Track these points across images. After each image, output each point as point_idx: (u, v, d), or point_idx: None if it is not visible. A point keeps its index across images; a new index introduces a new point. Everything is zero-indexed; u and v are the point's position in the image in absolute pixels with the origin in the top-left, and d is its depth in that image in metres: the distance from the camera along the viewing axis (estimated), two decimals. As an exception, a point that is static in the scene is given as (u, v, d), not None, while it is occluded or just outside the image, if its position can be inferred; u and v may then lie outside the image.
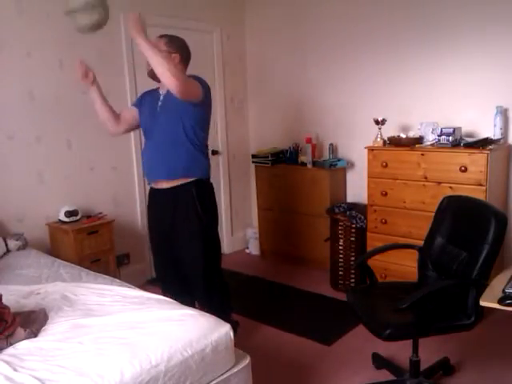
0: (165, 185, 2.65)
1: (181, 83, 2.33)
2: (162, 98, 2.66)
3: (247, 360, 2.04)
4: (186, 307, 2.13)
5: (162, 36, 2.65)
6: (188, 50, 2.68)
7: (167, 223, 2.69)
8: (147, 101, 2.75)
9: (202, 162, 2.69)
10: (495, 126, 3.20)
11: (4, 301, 1.93)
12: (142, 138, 2.95)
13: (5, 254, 2.96)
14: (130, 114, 2.82)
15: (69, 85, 3.41)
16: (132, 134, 3.69)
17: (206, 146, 2.74)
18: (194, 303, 2.71)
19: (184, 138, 2.58)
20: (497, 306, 1.89)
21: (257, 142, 4.76)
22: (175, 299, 2.27)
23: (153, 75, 2.55)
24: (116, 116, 2.78)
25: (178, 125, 2.57)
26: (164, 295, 2.38)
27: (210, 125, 2.74)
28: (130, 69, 3.77)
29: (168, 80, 2.32)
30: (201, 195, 2.65)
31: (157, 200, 2.75)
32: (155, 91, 2.73)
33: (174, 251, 2.73)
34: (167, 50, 2.56)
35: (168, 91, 2.54)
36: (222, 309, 2.70)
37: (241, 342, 2.18)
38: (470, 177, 3.03)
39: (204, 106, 2.60)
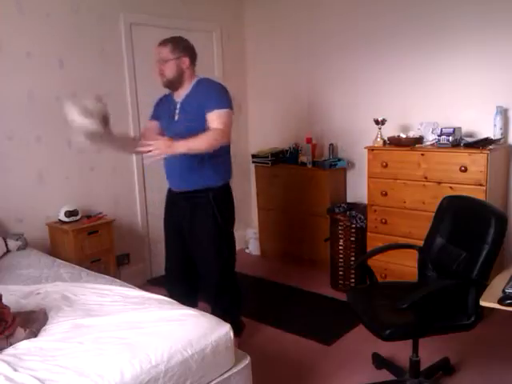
0: (183, 189, 2.68)
1: (225, 138, 2.45)
2: (178, 106, 2.61)
3: (247, 360, 2.04)
4: (185, 307, 2.13)
5: (163, 43, 2.57)
6: (194, 50, 2.65)
7: (185, 224, 2.70)
8: (163, 109, 2.71)
9: (225, 168, 2.69)
10: (495, 126, 3.20)
11: (4, 301, 1.93)
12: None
13: (5, 253, 2.96)
14: (153, 130, 2.73)
15: (69, 85, 3.41)
16: (132, 134, 3.69)
17: (229, 152, 2.71)
18: (197, 305, 2.71)
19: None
20: (497, 305, 1.89)
21: (257, 142, 4.76)
22: (179, 300, 2.26)
23: (169, 85, 2.58)
24: (135, 140, 2.71)
25: (196, 133, 2.49)
26: (169, 295, 2.39)
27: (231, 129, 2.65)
28: (130, 69, 3.77)
29: (217, 146, 2.43)
30: (218, 198, 2.65)
31: (175, 202, 2.76)
32: (169, 97, 2.69)
33: (190, 252, 2.75)
34: (174, 57, 2.52)
35: (185, 98, 2.55)
36: (228, 311, 2.69)
37: (241, 342, 2.18)
38: (470, 177, 3.03)
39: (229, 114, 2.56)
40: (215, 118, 2.47)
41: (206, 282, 2.78)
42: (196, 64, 2.67)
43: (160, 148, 2.29)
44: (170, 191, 2.81)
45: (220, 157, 2.61)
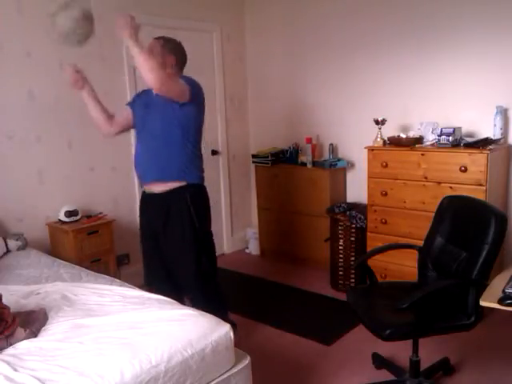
0: (158, 188, 2.62)
1: (157, 78, 2.28)
2: (154, 97, 2.60)
3: (247, 360, 2.04)
4: (185, 307, 2.13)
5: (158, 38, 2.64)
6: (184, 53, 2.66)
7: (159, 228, 2.66)
8: (143, 101, 2.70)
9: (196, 165, 2.66)
10: (495, 125, 3.20)
11: (4, 301, 1.93)
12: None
13: (5, 253, 2.96)
14: (123, 115, 2.78)
15: (69, 85, 3.40)
16: (132, 133, 3.69)
17: (200, 149, 2.70)
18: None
19: (175, 139, 2.55)
20: (497, 305, 1.89)
21: (257, 142, 4.76)
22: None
23: None
24: (109, 117, 2.73)
25: (168, 125, 2.54)
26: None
27: (203, 127, 2.69)
28: (130, 69, 3.77)
29: (145, 75, 2.30)
30: (195, 201, 2.62)
31: (148, 205, 2.72)
32: (149, 92, 2.65)
33: (166, 256, 2.71)
34: (162, 52, 2.55)
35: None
36: (218, 311, 2.69)
37: (241, 342, 2.18)
38: (470, 177, 3.03)
39: (193, 106, 2.56)
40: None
41: (188, 287, 2.72)
42: (183, 68, 2.67)
43: (120, 26, 2.34)
44: (143, 195, 2.77)
45: (189, 148, 2.59)
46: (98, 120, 2.73)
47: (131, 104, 2.81)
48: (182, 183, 2.60)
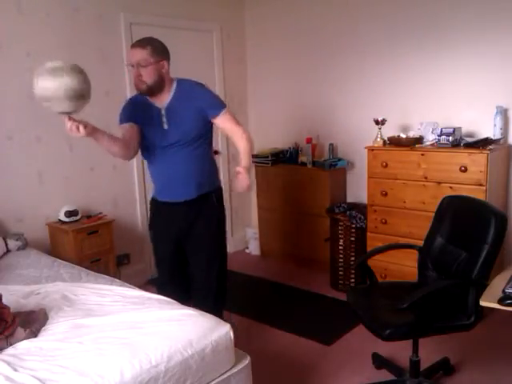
0: (187, 198, 2.54)
1: (242, 127, 2.53)
2: (164, 112, 2.45)
3: (247, 360, 2.04)
4: (185, 307, 2.12)
5: (140, 45, 2.37)
6: (167, 50, 2.46)
7: (183, 232, 2.61)
8: (145, 116, 2.47)
9: (216, 168, 2.70)
10: (495, 125, 3.20)
11: (4, 301, 1.93)
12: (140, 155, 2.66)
13: (5, 253, 2.96)
14: (130, 134, 2.47)
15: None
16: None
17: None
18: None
19: (203, 151, 2.53)
20: (497, 306, 1.89)
21: (257, 142, 4.74)
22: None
23: (148, 91, 2.40)
24: (124, 142, 2.42)
25: (196, 138, 2.48)
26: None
27: None
28: (130, 69, 3.76)
29: (240, 132, 2.51)
30: (220, 204, 2.66)
31: (173, 213, 2.58)
32: (146, 102, 2.47)
33: (190, 259, 2.68)
34: (155, 61, 2.36)
35: (170, 104, 2.44)
36: (220, 310, 2.71)
37: (241, 342, 2.18)
38: (470, 177, 3.03)
39: None
40: (227, 120, 2.50)
41: (202, 286, 2.71)
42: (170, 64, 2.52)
43: (246, 180, 2.39)
44: (163, 204, 2.61)
45: (212, 154, 2.62)
46: (119, 151, 2.40)
47: (132, 119, 2.48)
48: (211, 188, 2.61)
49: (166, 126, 2.46)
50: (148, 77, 2.37)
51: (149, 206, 2.83)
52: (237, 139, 2.53)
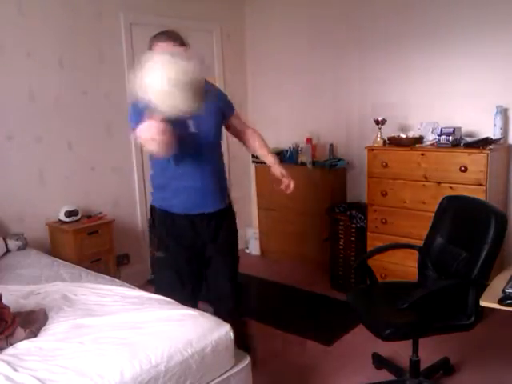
0: (210, 209, 2.33)
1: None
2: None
3: (247, 360, 2.04)
4: (185, 307, 2.12)
5: (180, 43, 2.18)
6: None
7: (203, 241, 2.37)
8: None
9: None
10: (495, 125, 3.20)
11: (4, 301, 1.93)
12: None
13: (5, 253, 2.96)
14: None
15: (69, 85, 3.41)
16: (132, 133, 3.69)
17: None
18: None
19: (221, 154, 2.46)
20: (497, 306, 1.89)
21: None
22: None
23: None
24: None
25: (219, 144, 2.38)
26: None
27: None
28: (130, 69, 3.77)
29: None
30: (234, 210, 2.56)
31: (195, 224, 2.32)
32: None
33: (209, 265, 2.45)
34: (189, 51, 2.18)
35: None
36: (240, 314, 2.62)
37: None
38: (470, 177, 3.03)
39: None
40: (238, 117, 2.52)
41: (225, 293, 2.51)
42: None
43: (291, 182, 2.41)
44: (182, 216, 2.30)
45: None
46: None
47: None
48: (230, 199, 2.51)
49: (193, 129, 2.19)
50: None
51: (151, 219, 2.43)
52: (250, 135, 2.52)
